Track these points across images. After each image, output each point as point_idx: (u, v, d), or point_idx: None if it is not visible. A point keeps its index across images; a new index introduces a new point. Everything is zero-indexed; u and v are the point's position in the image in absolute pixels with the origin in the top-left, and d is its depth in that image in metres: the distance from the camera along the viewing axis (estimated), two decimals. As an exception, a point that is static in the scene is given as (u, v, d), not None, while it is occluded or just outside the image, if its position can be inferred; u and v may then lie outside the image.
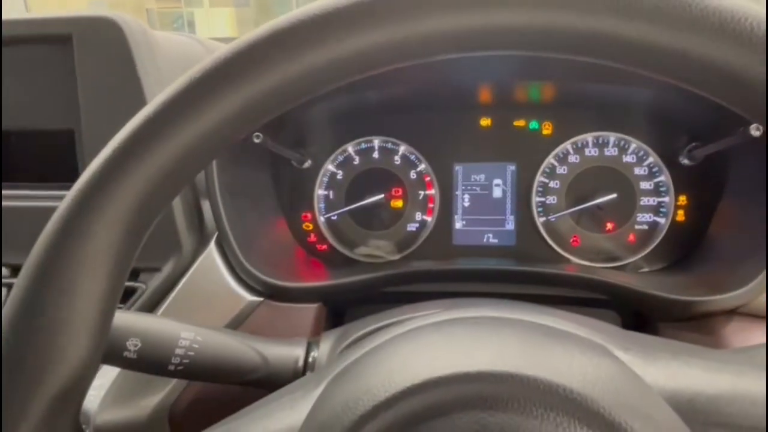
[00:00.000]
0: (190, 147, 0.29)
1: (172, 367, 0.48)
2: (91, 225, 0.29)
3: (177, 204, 0.69)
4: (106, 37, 0.66)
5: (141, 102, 0.66)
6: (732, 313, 0.65)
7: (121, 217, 0.30)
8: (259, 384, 0.51)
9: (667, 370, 0.31)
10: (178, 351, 0.48)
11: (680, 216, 0.80)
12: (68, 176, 0.70)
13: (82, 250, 0.29)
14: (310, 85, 0.29)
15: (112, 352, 0.46)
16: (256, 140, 0.71)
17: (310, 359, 0.52)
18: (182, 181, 0.31)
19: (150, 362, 0.47)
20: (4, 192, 0.72)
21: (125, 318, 0.48)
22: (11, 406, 0.30)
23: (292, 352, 0.52)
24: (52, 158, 0.73)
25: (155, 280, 0.69)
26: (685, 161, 0.78)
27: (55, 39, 0.68)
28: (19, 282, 0.30)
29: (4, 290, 0.71)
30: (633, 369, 0.31)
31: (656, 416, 0.27)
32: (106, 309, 0.32)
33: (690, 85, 0.28)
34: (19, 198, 0.72)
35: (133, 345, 0.46)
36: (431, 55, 0.29)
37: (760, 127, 0.62)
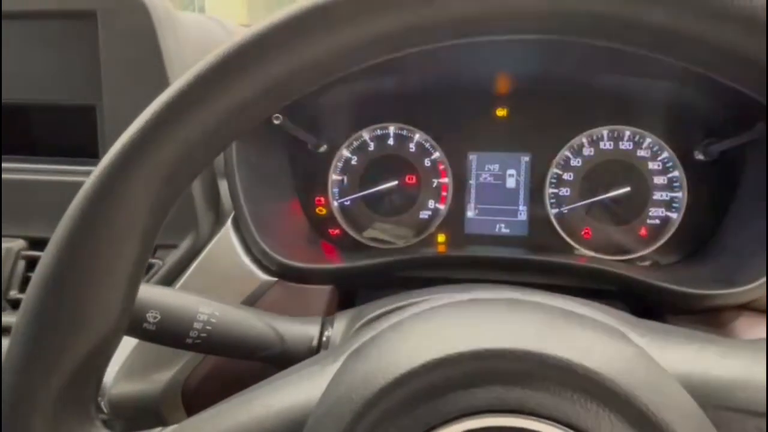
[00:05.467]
0: (222, 120, 0.30)
1: (189, 341, 0.49)
2: (123, 194, 0.30)
3: (195, 183, 0.69)
4: (130, 14, 0.66)
5: (163, 80, 0.66)
6: (741, 308, 0.65)
7: (151, 187, 0.30)
8: (274, 361, 0.51)
9: (682, 354, 0.32)
10: (197, 325, 0.48)
11: (693, 211, 0.80)
12: (89, 152, 0.70)
13: (113, 218, 0.30)
14: (344, 61, 0.30)
15: (132, 324, 0.47)
16: (276, 122, 0.72)
17: (324, 338, 0.52)
18: (211, 154, 0.32)
19: (168, 335, 0.48)
20: (24, 165, 0.73)
21: (145, 290, 0.48)
22: (37, 369, 0.31)
23: (307, 330, 0.53)
24: (73, 134, 0.74)
25: (172, 257, 0.70)
26: (700, 156, 0.78)
27: (80, 14, 0.68)
28: (49, 248, 0.30)
29: (21, 263, 0.71)
30: (649, 352, 0.31)
31: (670, 397, 0.28)
32: (134, 277, 0.32)
33: (698, 65, 0.28)
34: (38, 172, 0.72)
35: (152, 317, 0.47)
36: (463, 36, 0.29)
37: None
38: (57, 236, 0.30)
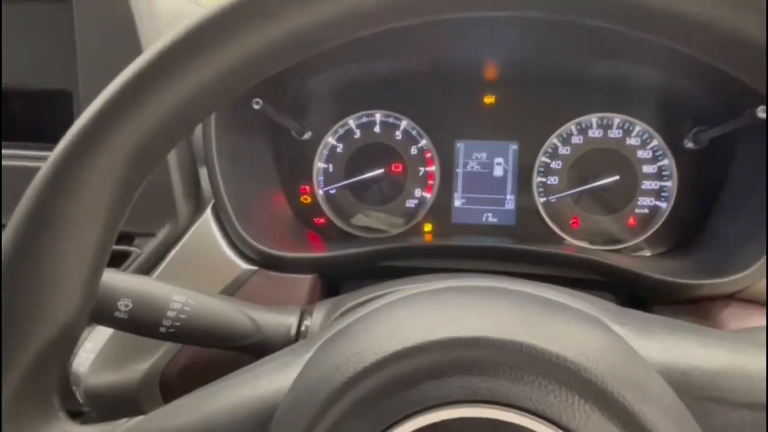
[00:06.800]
0: (183, 100, 0.29)
1: (163, 330, 0.48)
2: (81, 177, 0.29)
3: (174, 169, 0.68)
4: (106, -3, 0.65)
5: (140, 64, 0.65)
6: (729, 298, 0.64)
7: (112, 170, 0.29)
8: (251, 350, 0.51)
9: (661, 344, 0.31)
10: (170, 313, 0.48)
11: (682, 201, 0.80)
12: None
13: (72, 203, 0.29)
14: (309, 40, 0.29)
15: (102, 312, 0.46)
16: (256, 107, 0.71)
17: (303, 327, 0.52)
18: (175, 137, 0.31)
19: (141, 323, 0.47)
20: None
21: (117, 278, 0.47)
22: None
23: (285, 320, 0.52)
24: (48, 119, 0.72)
25: (149, 245, 0.68)
26: (690, 145, 0.78)
27: (55, -3, 0.66)
28: (3, 236, 0.30)
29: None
30: (628, 342, 0.30)
31: (649, 388, 0.27)
32: (96, 265, 0.31)
33: (692, 47, 0.27)
34: (14, 158, 0.71)
35: (124, 305, 0.46)
36: (435, 13, 0.28)
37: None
38: (12, 223, 0.29)
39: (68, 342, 0.32)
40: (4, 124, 0.74)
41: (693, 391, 0.29)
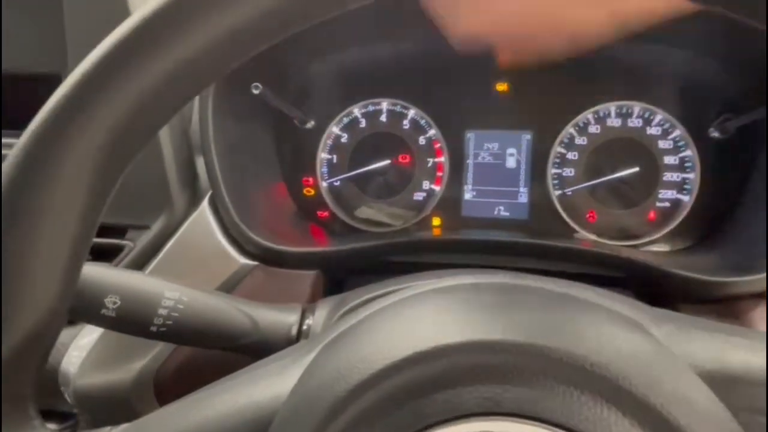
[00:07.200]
0: (166, 77, 0.27)
1: (154, 329, 0.46)
2: (53, 166, 0.27)
3: (169, 158, 0.66)
4: (96, -25, 0.63)
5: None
6: (759, 297, 0.61)
7: (88, 155, 0.27)
8: (249, 351, 0.49)
9: (707, 349, 0.28)
10: (161, 311, 0.46)
11: (705, 193, 0.77)
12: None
13: (43, 190, 0.27)
14: (292, 16, 0.27)
15: (88, 309, 0.44)
16: (255, 92, 0.69)
17: (305, 326, 0.49)
18: (159, 119, 0.29)
19: (130, 322, 0.45)
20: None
21: (105, 273, 0.45)
22: None
23: (286, 318, 0.50)
24: (36, 103, 0.70)
25: (143, 239, 0.67)
26: (715, 134, 0.75)
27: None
28: None
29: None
30: (669, 346, 0.28)
31: (695, 399, 0.25)
32: (73, 260, 0.29)
33: None
34: (10, 147, 0.69)
35: (111, 302, 0.44)
36: None
37: None
38: None
39: (44, 342, 0.30)
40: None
41: (743, 401, 0.26)
